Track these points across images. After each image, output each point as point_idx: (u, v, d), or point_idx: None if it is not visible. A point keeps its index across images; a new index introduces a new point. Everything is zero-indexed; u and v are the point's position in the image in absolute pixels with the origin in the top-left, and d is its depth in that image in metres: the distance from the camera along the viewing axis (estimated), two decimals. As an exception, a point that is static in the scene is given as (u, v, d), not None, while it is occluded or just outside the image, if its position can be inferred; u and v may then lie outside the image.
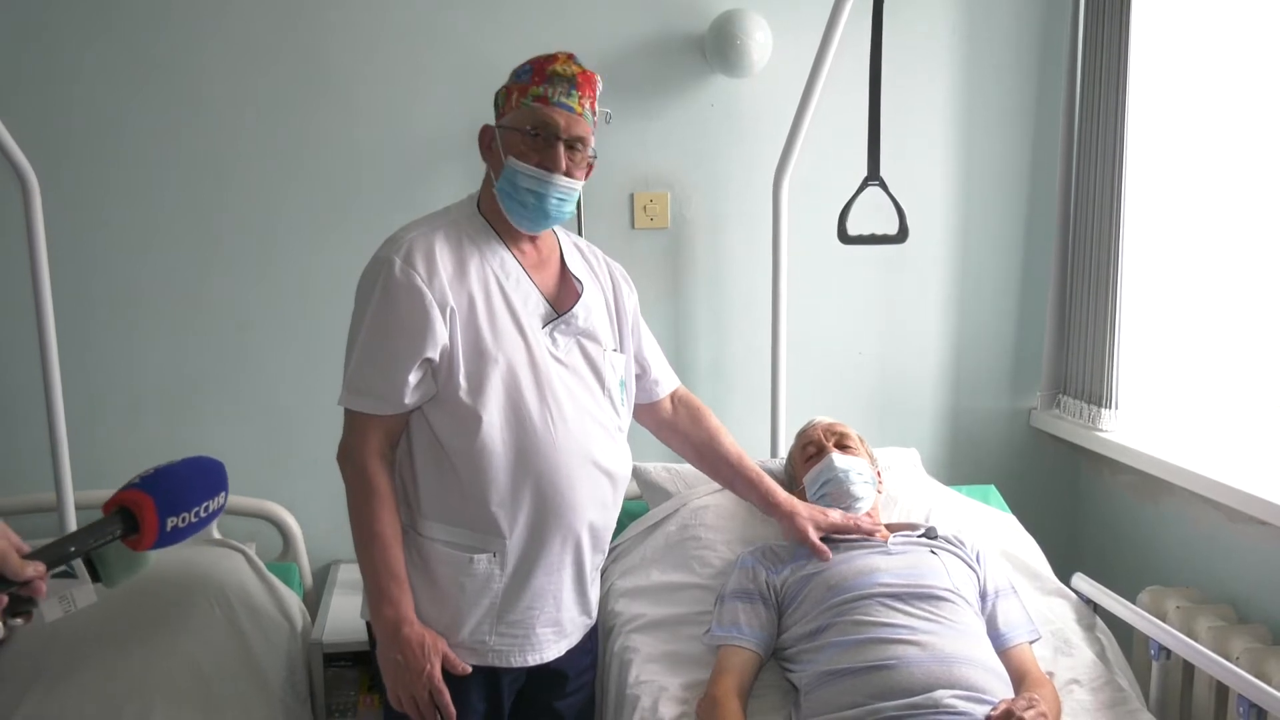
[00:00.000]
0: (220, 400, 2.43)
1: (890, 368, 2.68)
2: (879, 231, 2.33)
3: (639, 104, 2.46)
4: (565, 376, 1.70)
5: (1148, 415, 2.47)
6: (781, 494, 1.96)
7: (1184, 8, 2.36)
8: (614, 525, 1.80)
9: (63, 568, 1.07)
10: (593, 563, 1.77)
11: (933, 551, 1.88)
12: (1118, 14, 2.32)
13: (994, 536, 2.15)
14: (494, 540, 1.65)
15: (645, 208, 2.52)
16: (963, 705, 1.58)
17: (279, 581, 2.23)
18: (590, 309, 1.76)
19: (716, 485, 2.11)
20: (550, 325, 1.71)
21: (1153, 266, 2.43)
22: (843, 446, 2.05)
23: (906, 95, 2.52)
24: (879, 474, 2.10)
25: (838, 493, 1.96)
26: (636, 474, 2.22)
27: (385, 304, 1.61)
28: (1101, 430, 2.47)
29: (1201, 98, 2.39)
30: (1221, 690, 1.93)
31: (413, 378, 1.61)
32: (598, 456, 1.70)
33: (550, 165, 1.64)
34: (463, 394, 1.62)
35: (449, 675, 1.63)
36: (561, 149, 1.64)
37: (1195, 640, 1.91)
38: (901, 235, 2.33)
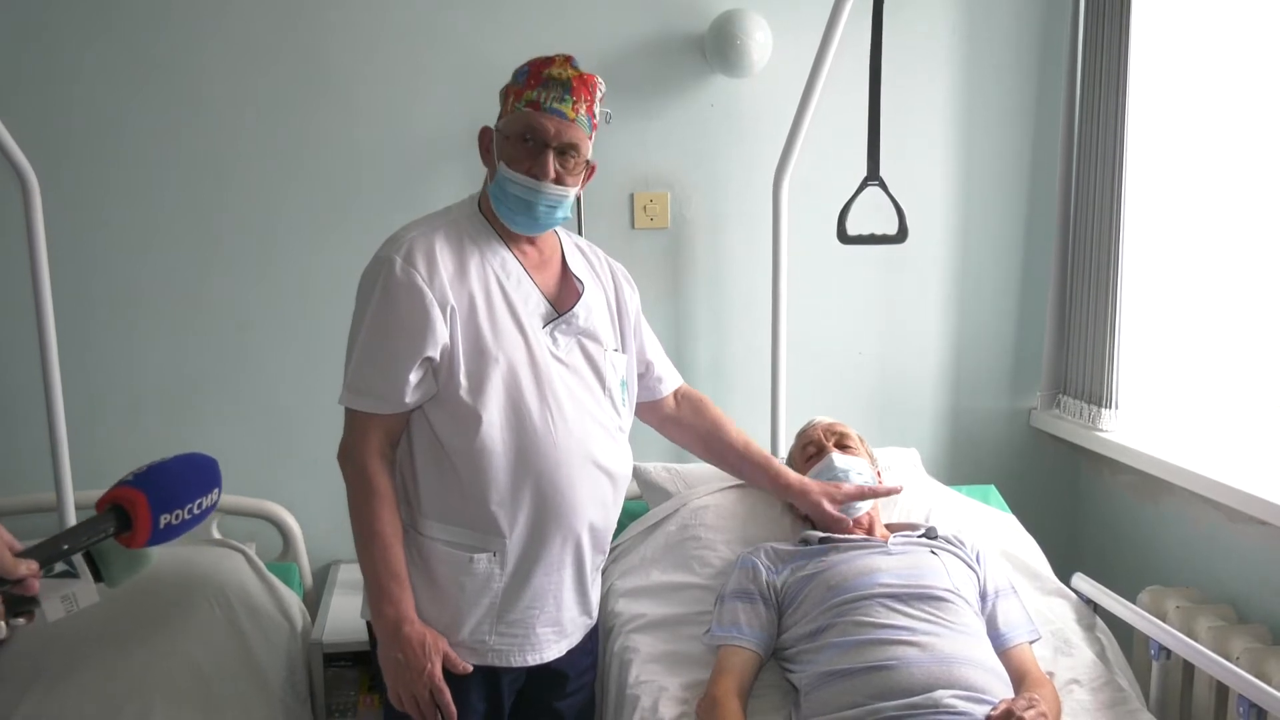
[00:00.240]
0: (220, 400, 2.43)
1: (890, 368, 2.68)
2: (879, 231, 2.33)
3: (639, 104, 2.46)
4: (566, 376, 1.70)
5: (1148, 415, 2.47)
6: (792, 474, 1.99)
7: (1184, 8, 2.36)
8: (614, 525, 1.80)
9: (65, 567, 1.07)
10: (593, 563, 1.77)
11: (933, 552, 1.88)
12: (1118, 14, 2.32)
13: (994, 536, 2.15)
14: (494, 540, 1.65)
15: (645, 208, 2.52)
16: (963, 705, 1.58)
17: (279, 581, 2.23)
18: (591, 309, 1.76)
19: (717, 485, 2.12)
20: (551, 325, 1.70)
21: (1152, 267, 2.43)
22: (843, 446, 2.05)
23: (906, 95, 2.52)
24: (879, 474, 2.10)
25: (838, 492, 1.97)
26: (636, 474, 2.22)
27: (386, 303, 1.61)
28: (1101, 430, 2.47)
29: (1202, 98, 2.39)
30: (1221, 690, 1.93)
31: (413, 377, 1.61)
32: (598, 456, 1.70)
33: (539, 173, 1.64)
34: (463, 393, 1.62)
35: (449, 675, 1.63)
36: (551, 157, 1.64)
37: (1195, 640, 1.91)
38: (901, 235, 2.33)
